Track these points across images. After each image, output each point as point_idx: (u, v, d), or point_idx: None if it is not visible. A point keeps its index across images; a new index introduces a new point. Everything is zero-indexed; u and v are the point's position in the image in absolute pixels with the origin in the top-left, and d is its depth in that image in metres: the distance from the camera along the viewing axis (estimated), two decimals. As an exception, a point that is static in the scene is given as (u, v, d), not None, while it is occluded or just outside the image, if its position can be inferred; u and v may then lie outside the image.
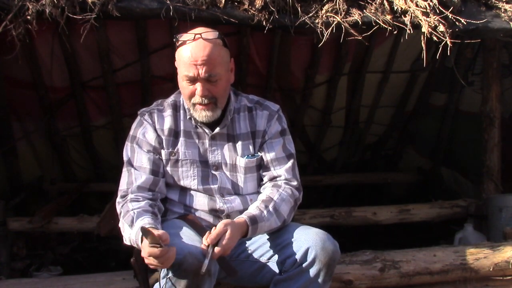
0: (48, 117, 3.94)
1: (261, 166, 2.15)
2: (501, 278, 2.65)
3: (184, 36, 1.97)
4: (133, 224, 1.87)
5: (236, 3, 2.51)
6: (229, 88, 2.09)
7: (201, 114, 2.01)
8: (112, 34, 3.48)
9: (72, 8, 2.31)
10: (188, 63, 1.94)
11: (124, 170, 2.07)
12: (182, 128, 2.10)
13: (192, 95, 1.99)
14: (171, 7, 2.39)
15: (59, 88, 3.82)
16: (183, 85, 2.00)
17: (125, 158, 2.08)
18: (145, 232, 1.66)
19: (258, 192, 2.15)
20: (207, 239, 1.80)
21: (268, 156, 2.12)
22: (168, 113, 2.11)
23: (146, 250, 1.69)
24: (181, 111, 2.12)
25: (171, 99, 2.16)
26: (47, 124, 4.01)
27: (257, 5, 2.49)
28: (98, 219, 3.24)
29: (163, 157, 2.07)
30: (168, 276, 1.77)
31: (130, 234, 1.88)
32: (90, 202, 4.64)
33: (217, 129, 2.08)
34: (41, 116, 3.94)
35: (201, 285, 1.77)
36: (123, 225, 1.94)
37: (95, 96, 3.96)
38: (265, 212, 1.99)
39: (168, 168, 2.08)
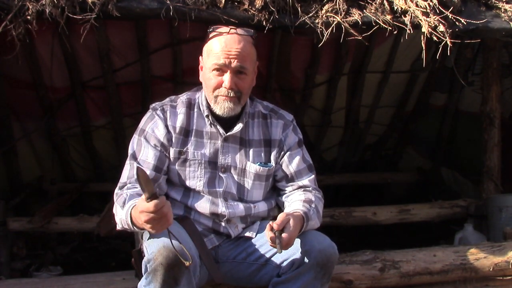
0: (48, 117, 3.94)
1: (276, 178, 2.16)
2: (501, 278, 2.65)
3: (219, 29, 2.00)
4: (124, 205, 1.84)
5: (236, 3, 2.50)
6: (251, 88, 2.08)
7: (223, 105, 1.99)
8: (112, 34, 3.48)
9: (72, 8, 2.30)
10: (221, 52, 1.95)
11: (127, 163, 2.04)
12: (194, 127, 2.07)
13: (218, 86, 1.98)
14: (171, 7, 2.39)
15: (59, 88, 3.82)
16: (210, 76, 1.99)
17: (130, 151, 2.05)
18: (143, 178, 1.58)
19: (264, 201, 2.15)
20: (273, 227, 1.81)
21: (291, 169, 2.13)
22: (181, 111, 2.08)
23: (145, 206, 1.62)
24: (195, 110, 2.09)
25: (185, 96, 2.13)
26: (47, 124, 4.00)
27: (257, 5, 2.48)
28: (98, 219, 3.24)
29: (171, 155, 2.05)
30: (147, 271, 1.76)
31: (121, 215, 1.85)
32: (90, 202, 4.64)
33: (235, 128, 2.06)
34: (41, 116, 3.94)
35: (179, 278, 1.75)
36: (115, 208, 1.91)
37: (95, 96, 3.96)
38: (311, 211, 2.01)
39: (175, 167, 2.06)
